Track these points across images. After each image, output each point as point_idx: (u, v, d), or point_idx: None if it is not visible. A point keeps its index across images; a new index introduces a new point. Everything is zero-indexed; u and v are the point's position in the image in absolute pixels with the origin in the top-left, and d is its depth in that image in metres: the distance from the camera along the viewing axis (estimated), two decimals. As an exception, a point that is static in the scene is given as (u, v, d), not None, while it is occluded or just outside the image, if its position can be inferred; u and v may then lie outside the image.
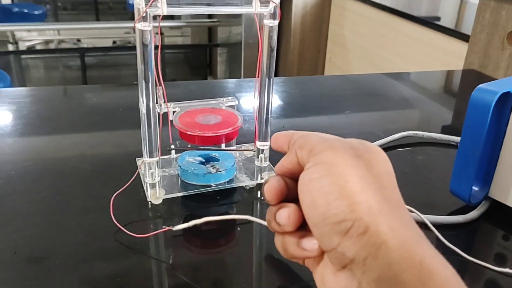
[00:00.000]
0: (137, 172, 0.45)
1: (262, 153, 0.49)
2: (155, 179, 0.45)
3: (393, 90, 0.82)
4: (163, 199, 0.44)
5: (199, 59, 2.77)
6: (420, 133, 0.60)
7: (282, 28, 1.88)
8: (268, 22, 0.43)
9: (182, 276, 0.37)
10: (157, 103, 0.45)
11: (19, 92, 0.75)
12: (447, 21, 1.59)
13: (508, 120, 0.43)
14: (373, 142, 0.57)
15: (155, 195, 0.44)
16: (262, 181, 0.48)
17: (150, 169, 0.45)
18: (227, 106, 0.49)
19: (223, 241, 0.42)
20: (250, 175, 0.48)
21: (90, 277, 0.36)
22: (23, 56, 2.78)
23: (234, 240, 0.42)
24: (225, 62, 2.41)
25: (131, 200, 0.45)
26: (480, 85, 0.42)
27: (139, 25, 0.39)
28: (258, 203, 0.47)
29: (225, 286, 0.36)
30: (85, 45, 3.01)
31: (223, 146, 0.49)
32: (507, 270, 0.38)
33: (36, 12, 2.36)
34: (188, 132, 0.44)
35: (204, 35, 2.68)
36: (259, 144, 0.48)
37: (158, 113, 0.44)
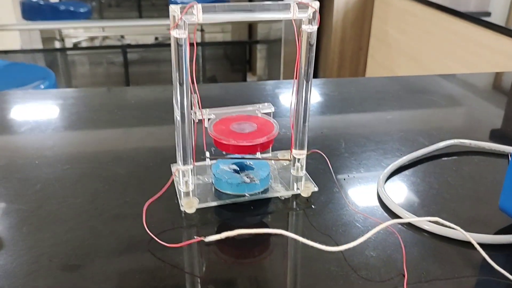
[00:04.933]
0: (171, 179, 0.44)
1: (299, 162, 0.47)
2: (189, 188, 0.45)
3: (439, 93, 0.78)
4: (197, 208, 0.44)
5: (238, 55, 2.77)
6: (467, 141, 0.57)
7: (323, 25, 1.85)
8: (306, 27, 0.42)
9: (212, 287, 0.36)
10: (192, 109, 0.44)
11: (61, 94, 0.77)
12: (498, 17, 1.51)
13: None
14: (416, 151, 0.54)
15: (189, 204, 0.43)
16: (298, 191, 0.46)
17: (184, 176, 0.44)
18: (263, 113, 0.48)
19: (256, 252, 0.40)
20: (285, 185, 0.47)
21: (122, 285, 0.36)
22: (68, 53, 2.87)
23: (267, 252, 0.41)
24: (265, 58, 2.39)
25: (165, 208, 0.44)
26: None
27: (174, 33, 0.39)
28: (293, 214, 0.45)
29: (257, 303, 0.35)
30: (128, 42, 3.08)
31: (258, 154, 0.48)
32: (562, 298, 0.35)
33: (81, 10, 2.42)
34: (222, 141, 0.43)
35: (244, 32, 2.67)
36: (295, 152, 0.47)
37: (193, 120, 0.44)
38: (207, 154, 0.47)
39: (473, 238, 0.39)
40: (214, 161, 0.48)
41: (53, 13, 2.35)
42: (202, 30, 2.70)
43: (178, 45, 0.39)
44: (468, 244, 0.39)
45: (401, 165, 0.53)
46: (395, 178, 0.51)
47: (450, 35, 1.51)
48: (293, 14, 0.40)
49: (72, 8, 2.40)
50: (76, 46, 2.97)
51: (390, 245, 0.41)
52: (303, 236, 0.37)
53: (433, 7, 1.53)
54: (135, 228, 0.41)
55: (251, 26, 2.51)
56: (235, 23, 2.64)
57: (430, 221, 0.42)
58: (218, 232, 0.37)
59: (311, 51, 0.42)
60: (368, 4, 1.81)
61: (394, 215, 0.44)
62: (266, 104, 0.48)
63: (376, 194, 0.48)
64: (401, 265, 0.38)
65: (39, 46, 2.55)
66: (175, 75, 0.40)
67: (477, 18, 1.38)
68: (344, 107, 0.72)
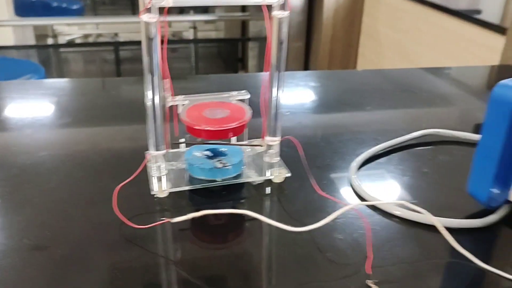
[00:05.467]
0: (143, 164, 0.44)
1: (272, 149, 0.48)
2: (162, 173, 0.45)
3: (423, 86, 0.79)
4: (170, 193, 0.44)
5: (231, 53, 2.77)
6: (442, 131, 0.57)
7: (314, 22, 1.86)
8: (277, 13, 0.42)
9: (181, 270, 0.36)
10: (164, 96, 0.44)
11: (43, 84, 0.77)
12: (490, 14, 1.51)
13: (533, 118, 0.40)
14: (391, 139, 0.55)
15: (161, 189, 0.44)
16: (271, 177, 0.47)
17: (157, 162, 0.45)
18: (237, 100, 0.48)
19: (225, 236, 0.41)
20: (258, 171, 0.47)
21: (89, 266, 0.36)
22: (61, 50, 2.86)
23: (236, 235, 0.41)
24: (257, 56, 2.40)
25: (137, 193, 0.45)
26: (502, 81, 0.40)
27: (145, 17, 0.39)
28: (266, 199, 0.46)
29: (222, 282, 0.35)
30: (121, 39, 3.08)
31: (233, 140, 0.48)
32: (523, 279, 0.35)
33: (74, 7, 2.42)
34: (193, 126, 0.43)
35: (237, 30, 2.68)
36: (268, 139, 0.47)
37: (165, 106, 0.44)
38: (181, 140, 0.47)
39: (441, 222, 0.40)
40: (188, 148, 0.48)
41: (46, 10, 2.35)
42: (194, 28, 2.71)
43: (148, 30, 0.39)
44: (435, 229, 0.40)
45: (376, 153, 0.53)
46: (369, 166, 0.52)
47: (440, 32, 1.52)
48: (263, -1, 0.41)
49: (64, 5, 2.39)
50: (68, 43, 2.97)
51: (357, 228, 0.41)
52: (273, 219, 0.38)
53: (424, 4, 1.54)
54: (107, 212, 0.42)
55: (244, 24, 2.52)
56: (227, 21, 2.64)
57: (396, 205, 0.42)
58: (189, 212, 0.38)
59: (281, 36, 0.43)
60: (358, 1, 1.81)
61: (364, 200, 0.45)
62: (243, 91, 0.49)
63: (348, 181, 0.48)
64: (366, 247, 0.38)
65: (33, 43, 2.55)
66: (145, 60, 0.40)
67: (467, 15, 1.39)
68: (324, 99, 0.72)
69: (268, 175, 0.47)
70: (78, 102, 0.68)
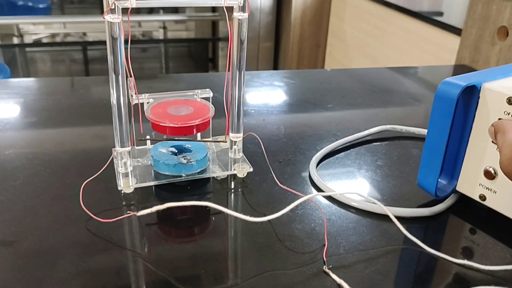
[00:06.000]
0: (109, 160, 0.46)
1: (235, 145, 0.50)
2: (128, 169, 0.46)
3: (385, 85, 0.82)
4: (136, 189, 0.46)
5: (201, 53, 2.77)
6: (398, 127, 0.61)
7: (282, 23, 1.89)
8: (237, 14, 0.44)
9: (147, 263, 0.38)
10: (129, 93, 0.46)
11: (8, 84, 0.76)
12: (452, 16, 1.57)
13: (475, 114, 0.43)
14: (348, 136, 0.57)
15: (127, 184, 0.45)
16: (234, 172, 0.48)
17: (123, 158, 0.46)
18: (201, 98, 0.50)
19: (191, 229, 0.43)
20: (223, 166, 0.49)
21: (55, 260, 0.37)
22: (28, 50, 2.80)
23: (200, 228, 0.43)
24: (227, 56, 2.41)
25: (104, 189, 0.46)
26: (447, 78, 0.43)
27: (108, 17, 0.40)
28: (229, 193, 0.47)
29: (187, 273, 0.37)
30: (90, 39, 3.04)
31: (198, 137, 0.50)
32: (470, 263, 0.38)
33: (40, 6, 2.38)
34: (159, 123, 0.45)
35: (207, 30, 2.68)
36: (232, 135, 0.49)
37: (130, 103, 0.45)
38: (148, 137, 0.49)
39: (391, 211, 0.42)
40: (153, 145, 0.50)
41: (11, 9, 2.30)
42: (164, 28, 2.70)
43: (112, 30, 0.40)
44: (388, 218, 0.42)
45: (334, 148, 0.56)
46: (328, 160, 0.54)
47: (403, 33, 1.57)
48: (224, 1, 0.43)
49: (30, 4, 2.35)
50: (35, 43, 2.91)
51: (315, 218, 0.43)
52: (236, 211, 0.39)
53: (387, 6, 1.59)
54: (73, 208, 0.43)
55: (214, 24, 2.53)
56: (198, 21, 2.64)
57: (351, 196, 0.45)
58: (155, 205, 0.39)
59: (241, 36, 0.45)
60: (325, 2, 1.85)
61: (320, 191, 0.47)
62: (207, 89, 0.50)
63: (308, 175, 0.50)
64: (323, 236, 0.41)
65: (-3, 42, 2.48)
66: (110, 59, 0.42)
67: (427, 17, 1.44)
68: (289, 97, 0.75)
69: (232, 170, 0.49)
70: (44, 101, 0.68)
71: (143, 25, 3.03)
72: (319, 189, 0.48)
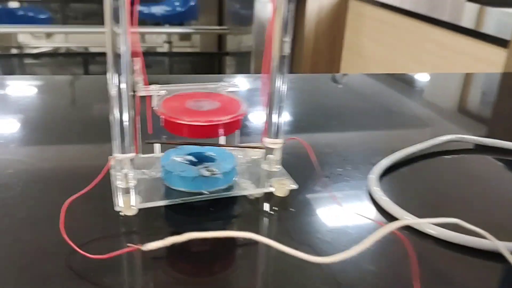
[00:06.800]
0: (104, 171, 0.33)
1: (272, 154, 0.38)
2: (129, 183, 0.34)
3: (428, 90, 0.70)
4: (140, 210, 0.33)
5: (207, 68, 2.68)
6: (472, 137, 0.48)
7: (295, 36, 1.79)
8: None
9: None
10: (135, 82, 0.34)
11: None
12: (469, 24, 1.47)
13: None
14: (408, 146, 0.45)
15: (128, 204, 0.33)
16: (271, 189, 0.36)
17: (123, 168, 0.34)
18: (228, 91, 0.38)
19: (216, 267, 0.30)
20: (255, 181, 0.37)
21: (16, 319, 0.24)
22: (27, 62, 2.71)
23: (230, 266, 0.30)
24: (235, 71, 2.31)
25: (96, 210, 0.34)
26: None
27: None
28: (265, 218, 0.35)
29: None
30: (92, 50, 2.95)
31: (222, 142, 0.38)
32: None
33: (41, 16, 2.29)
34: (173, 120, 0.32)
35: (213, 45, 2.59)
36: (268, 142, 0.37)
37: (135, 96, 0.33)
38: (159, 139, 0.37)
39: (507, 247, 0.30)
40: (165, 152, 0.38)
41: (11, 18, 2.21)
42: (169, 42, 2.60)
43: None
44: (499, 257, 0.30)
45: (395, 161, 0.44)
46: (388, 176, 0.42)
47: (425, 43, 1.47)
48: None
49: (31, 14, 2.26)
50: (33, 54, 2.82)
51: (393, 255, 0.31)
52: (279, 242, 0.27)
53: (408, 15, 1.49)
54: (50, 235, 0.30)
55: (220, 38, 2.44)
56: (203, 35, 2.55)
57: (446, 224, 0.33)
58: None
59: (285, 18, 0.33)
60: (341, 14, 1.76)
61: (392, 218, 0.35)
62: (231, 82, 0.39)
63: (368, 194, 0.38)
64: (411, 282, 0.28)
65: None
66: (109, 26, 0.30)
67: (452, 24, 1.34)
68: (322, 102, 0.63)
69: (268, 187, 0.36)
70: (29, 101, 0.56)
71: (148, 40, 2.94)
72: (388, 214, 0.35)
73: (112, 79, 0.31)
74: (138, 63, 0.33)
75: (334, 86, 0.73)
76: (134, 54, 0.32)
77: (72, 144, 0.45)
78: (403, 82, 0.77)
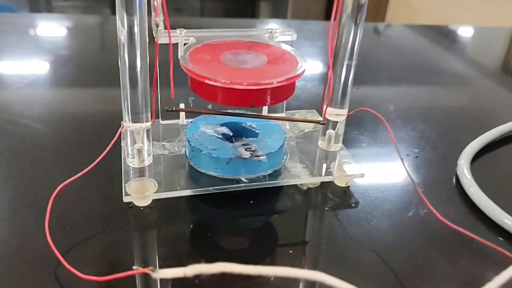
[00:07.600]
0: (109, 146, 0.25)
1: (334, 128, 0.28)
2: (144, 162, 0.26)
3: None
4: (154, 200, 0.25)
5: (241, 13, 2.53)
6: None
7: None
8: None
9: None
10: (155, 24, 0.24)
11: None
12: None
13: None
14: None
15: (142, 191, 0.24)
16: (330, 178, 0.27)
17: (136, 142, 0.25)
18: (279, 41, 0.28)
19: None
20: (309, 165, 0.28)
21: None
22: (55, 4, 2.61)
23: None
24: (270, 17, 2.17)
25: (97, 198, 0.25)
26: None
27: None
28: (322, 217, 0.26)
29: None
30: None
31: (265, 111, 0.29)
32: None
33: None
34: (204, 80, 0.23)
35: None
36: (330, 111, 0.28)
37: (154, 44, 0.24)
38: (181, 106, 0.28)
39: None
40: (190, 120, 0.29)
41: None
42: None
43: None
44: None
45: (486, 142, 0.33)
46: (482, 159, 0.32)
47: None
48: None
49: None
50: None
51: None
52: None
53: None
54: (30, 235, 0.22)
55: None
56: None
57: None
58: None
59: None
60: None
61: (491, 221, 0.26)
62: (282, 28, 0.29)
63: (455, 182, 0.29)
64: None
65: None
66: None
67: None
68: (387, 57, 0.52)
69: (325, 172, 0.27)
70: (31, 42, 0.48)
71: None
72: (485, 216, 0.26)
73: (121, 18, 0.22)
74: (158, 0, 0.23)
75: (376, 38, 0.62)
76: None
77: (85, 108, 0.37)
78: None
